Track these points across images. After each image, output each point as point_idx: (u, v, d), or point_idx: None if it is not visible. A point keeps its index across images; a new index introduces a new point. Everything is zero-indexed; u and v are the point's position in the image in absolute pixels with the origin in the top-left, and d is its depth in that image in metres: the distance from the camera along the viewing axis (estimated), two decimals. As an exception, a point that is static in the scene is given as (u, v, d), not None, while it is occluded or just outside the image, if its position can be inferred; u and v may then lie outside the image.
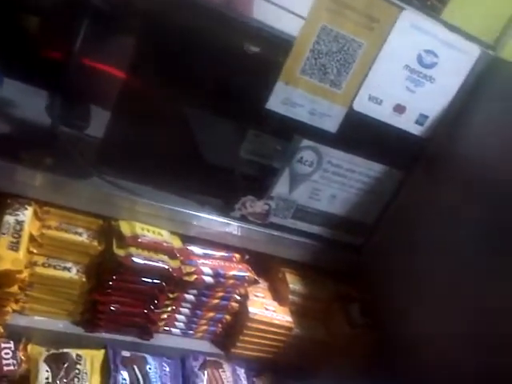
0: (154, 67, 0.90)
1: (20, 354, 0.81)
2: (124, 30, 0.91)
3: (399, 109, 0.98)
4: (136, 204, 0.94)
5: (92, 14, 0.85)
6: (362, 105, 0.96)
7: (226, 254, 1.02)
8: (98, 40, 0.90)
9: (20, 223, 0.82)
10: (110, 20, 0.88)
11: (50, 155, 0.91)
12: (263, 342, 1.01)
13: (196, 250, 0.99)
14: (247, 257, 1.03)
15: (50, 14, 0.88)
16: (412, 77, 0.96)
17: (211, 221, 0.99)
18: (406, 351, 0.99)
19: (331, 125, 0.97)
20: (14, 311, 0.83)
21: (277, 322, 1.00)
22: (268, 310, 1.01)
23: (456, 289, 0.93)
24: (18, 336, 0.83)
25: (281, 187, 1.01)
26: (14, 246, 0.77)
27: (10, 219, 0.82)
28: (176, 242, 0.95)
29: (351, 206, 1.07)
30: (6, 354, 0.80)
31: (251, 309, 0.98)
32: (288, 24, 0.92)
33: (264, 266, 1.09)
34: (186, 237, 0.99)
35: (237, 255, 1.03)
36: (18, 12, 0.97)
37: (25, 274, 0.79)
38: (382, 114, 0.98)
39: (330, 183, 1.03)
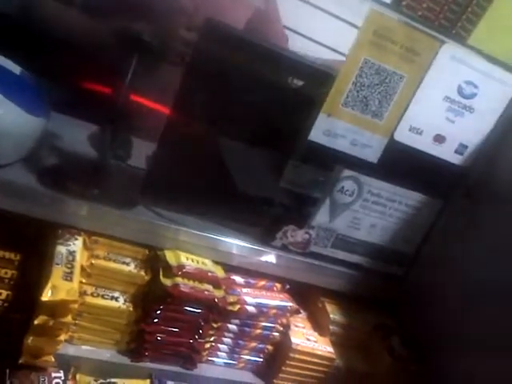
0: (199, 101, 0.92)
1: (70, 384, 0.82)
2: (170, 66, 0.94)
3: (439, 139, 0.99)
4: (180, 233, 0.95)
5: (142, 51, 0.88)
6: (403, 135, 0.97)
7: (266, 284, 1.02)
8: (146, 76, 0.93)
9: (72, 253, 0.83)
10: (159, 56, 0.91)
11: (96, 186, 0.93)
12: (305, 372, 1.00)
13: (238, 279, 1.00)
14: (288, 286, 1.04)
15: (101, 50, 0.91)
16: (452, 107, 0.97)
17: (253, 250, 1.00)
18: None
19: (372, 155, 0.98)
20: (64, 340, 0.84)
21: (319, 352, 0.99)
22: (310, 341, 1.00)
23: (502, 322, 0.92)
24: (66, 365, 0.84)
25: (321, 216, 1.02)
26: (68, 276, 0.78)
27: (62, 250, 0.83)
28: (219, 272, 0.96)
29: (391, 235, 1.07)
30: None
31: (294, 339, 0.98)
32: (328, 57, 0.94)
33: (302, 295, 1.09)
34: (227, 266, 1.00)
35: (277, 285, 1.03)
36: (69, 47, 1.01)
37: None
38: (423, 144, 0.99)
39: (370, 212, 1.04)
